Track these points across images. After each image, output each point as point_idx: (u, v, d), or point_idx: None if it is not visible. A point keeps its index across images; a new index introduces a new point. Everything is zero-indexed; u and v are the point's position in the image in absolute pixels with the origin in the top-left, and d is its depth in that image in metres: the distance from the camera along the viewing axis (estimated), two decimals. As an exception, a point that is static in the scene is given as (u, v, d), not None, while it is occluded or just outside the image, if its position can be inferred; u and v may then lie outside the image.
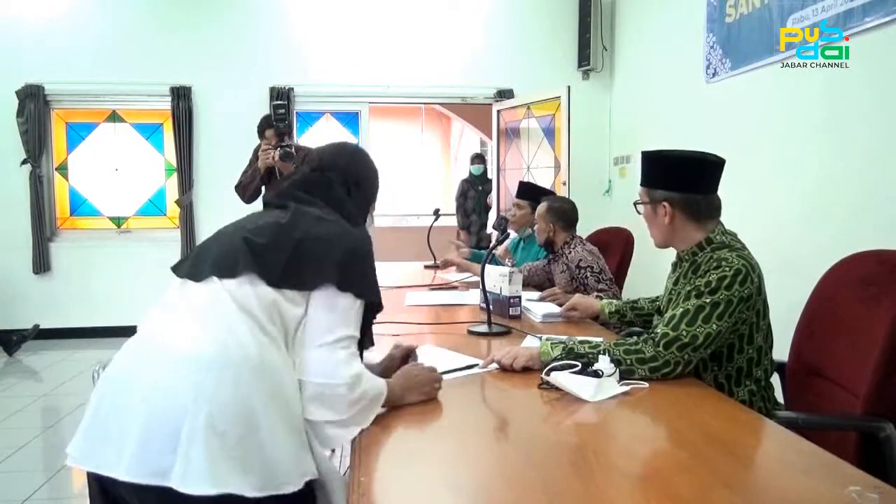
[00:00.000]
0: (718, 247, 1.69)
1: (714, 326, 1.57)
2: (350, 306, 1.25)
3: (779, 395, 1.83)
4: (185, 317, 1.19)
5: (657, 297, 2.10)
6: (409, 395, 1.37)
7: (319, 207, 1.36)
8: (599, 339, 1.68)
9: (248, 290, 1.19)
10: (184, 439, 1.05)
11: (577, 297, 2.26)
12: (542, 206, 3.09)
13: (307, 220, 1.30)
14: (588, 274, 2.84)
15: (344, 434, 1.22)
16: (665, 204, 1.72)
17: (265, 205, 1.46)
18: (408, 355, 1.70)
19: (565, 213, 3.05)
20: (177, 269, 1.31)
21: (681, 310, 1.60)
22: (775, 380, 1.80)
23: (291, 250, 1.24)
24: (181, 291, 1.26)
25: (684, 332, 1.57)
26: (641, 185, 1.82)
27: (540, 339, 1.92)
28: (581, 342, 1.64)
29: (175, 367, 1.11)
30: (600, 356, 1.52)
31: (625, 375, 1.54)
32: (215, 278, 1.21)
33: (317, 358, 1.20)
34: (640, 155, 1.84)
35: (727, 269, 1.60)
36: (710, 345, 1.58)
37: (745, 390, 1.69)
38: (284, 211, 1.34)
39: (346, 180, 1.45)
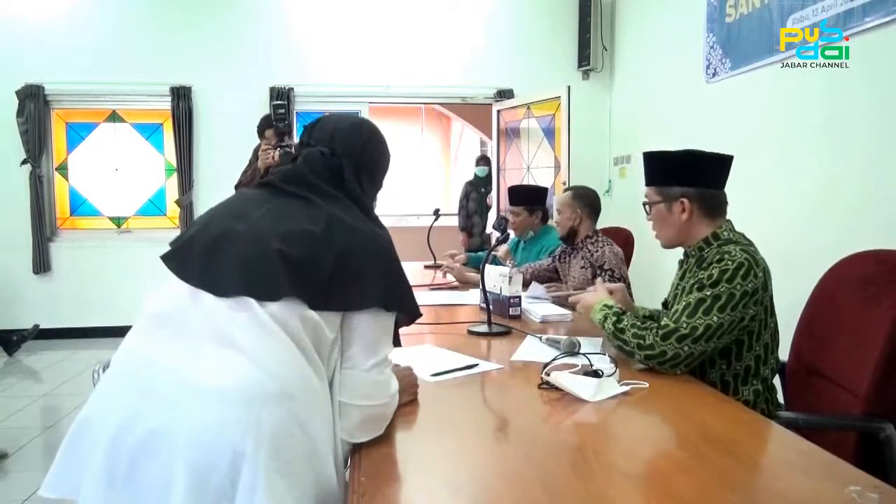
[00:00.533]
0: (725, 242, 1.70)
1: (715, 318, 1.57)
2: (389, 323, 1.20)
3: (779, 396, 1.83)
4: (219, 344, 1.04)
5: None
6: (402, 396, 1.36)
7: (343, 203, 1.21)
8: (628, 317, 1.70)
9: (293, 316, 1.07)
10: (244, 486, 0.95)
11: (621, 286, 2.10)
12: (566, 195, 3.00)
13: (342, 228, 1.15)
14: (607, 278, 2.77)
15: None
16: (683, 200, 1.72)
17: (267, 185, 1.25)
18: None
19: (590, 199, 2.98)
20: (182, 272, 1.13)
21: (683, 303, 1.62)
22: (775, 380, 1.80)
23: (331, 269, 1.11)
24: (198, 307, 1.08)
25: (684, 324, 1.57)
26: (650, 184, 1.80)
27: (540, 339, 1.92)
28: (615, 313, 1.71)
29: (221, 404, 0.98)
30: (600, 356, 1.53)
31: (626, 357, 1.63)
32: (253, 301, 1.06)
33: (367, 381, 1.16)
34: (641, 155, 1.83)
35: (729, 262, 1.60)
36: (710, 337, 1.57)
37: (750, 390, 1.69)
38: (307, 206, 1.18)
39: (358, 168, 1.28)
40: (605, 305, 1.77)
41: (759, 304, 1.63)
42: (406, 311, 1.23)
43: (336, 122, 1.33)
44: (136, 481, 0.98)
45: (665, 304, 1.94)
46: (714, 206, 1.73)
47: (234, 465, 0.96)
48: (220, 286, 1.08)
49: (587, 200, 2.97)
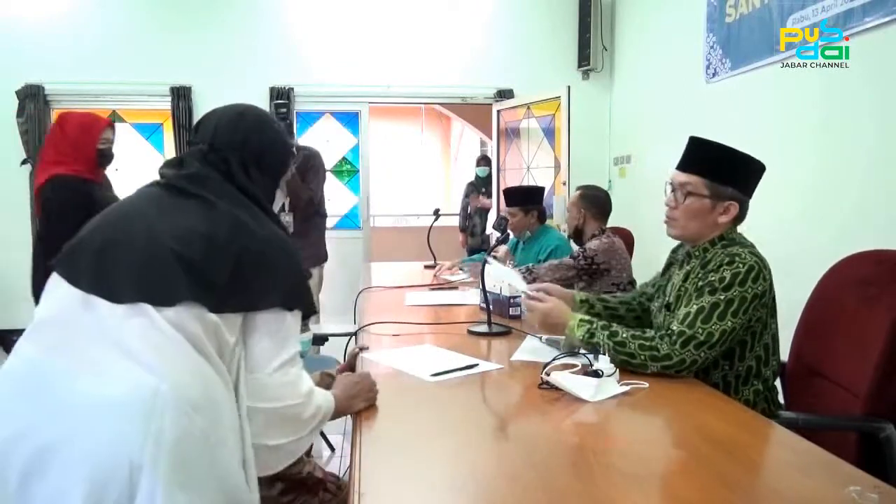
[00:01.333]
0: (729, 244, 1.70)
1: (729, 323, 1.57)
2: (294, 322, 1.17)
3: (779, 396, 1.83)
4: (113, 353, 0.99)
5: (632, 298, 2.12)
6: (355, 402, 1.35)
7: (239, 201, 1.18)
8: (619, 328, 1.67)
9: (193, 321, 1.03)
10: (142, 501, 0.92)
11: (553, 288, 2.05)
12: (574, 194, 3.05)
13: (239, 228, 1.12)
14: (578, 253, 2.85)
15: (296, 451, 1.19)
16: (734, 204, 1.68)
17: (161, 185, 1.21)
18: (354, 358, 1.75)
19: (598, 201, 3.01)
20: (72, 277, 1.06)
21: (695, 307, 1.61)
22: (776, 381, 1.80)
23: (231, 270, 1.07)
24: (90, 314, 1.02)
25: (700, 330, 1.57)
26: (699, 174, 1.68)
27: (540, 339, 1.92)
28: (603, 327, 1.66)
29: (117, 416, 0.94)
30: (600, 356, 1.52)
31: (635, 370, 1.58)
32: (149, 307, 1.01)
33: (271, 383, 1.12)
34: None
35: (740, 265, 1.60)
36: (724, 342, 1.58)
37: (750, 390, 1.69)
38: (203, 205, 1.14)
39: (244, 160, 1.23)
40: (582, 320, 1.70)
41: (765, 307, 1.64)
42: (306, 310, 1.21)
43: (218, 116, 1.30)
44: (27, 499, 0.94)
45: (668, 307, 1.94)
46: (745, 215, 1.73)
47: (132, 480, 0.92)
48: (113, 292, 1.02)
49: (593, 201, 3.01)
